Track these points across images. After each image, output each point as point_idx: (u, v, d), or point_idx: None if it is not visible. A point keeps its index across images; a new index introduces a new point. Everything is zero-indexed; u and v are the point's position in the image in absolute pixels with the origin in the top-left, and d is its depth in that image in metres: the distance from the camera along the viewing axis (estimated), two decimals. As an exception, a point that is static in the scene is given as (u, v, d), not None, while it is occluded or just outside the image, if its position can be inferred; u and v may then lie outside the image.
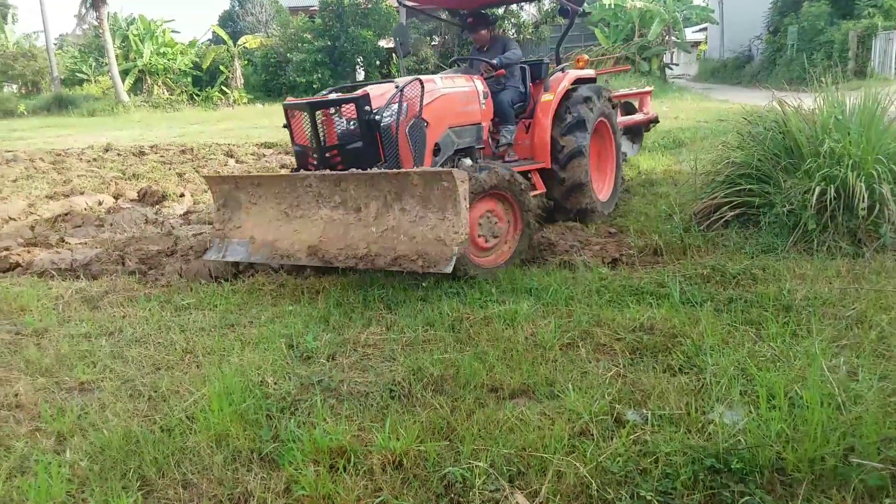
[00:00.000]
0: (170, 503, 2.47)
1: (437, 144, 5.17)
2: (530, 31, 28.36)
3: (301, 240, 4.80)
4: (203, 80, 34.70)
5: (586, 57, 6.51)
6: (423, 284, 4.83)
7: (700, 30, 43.09)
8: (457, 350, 3.60)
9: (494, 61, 5.87)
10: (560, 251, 5.30)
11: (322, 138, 4.95)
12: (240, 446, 2.73)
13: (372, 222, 4.51)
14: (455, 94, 5.37)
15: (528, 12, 30.39)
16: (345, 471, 2.55)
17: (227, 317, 4.34)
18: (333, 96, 5.02)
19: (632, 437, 2.66)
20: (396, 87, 4.95)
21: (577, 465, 2.49)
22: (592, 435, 2.70)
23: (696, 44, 43.33)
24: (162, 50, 33.09)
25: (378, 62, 29.55)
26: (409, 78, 5.07)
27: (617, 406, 2.91)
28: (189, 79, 34.40)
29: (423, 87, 4.93)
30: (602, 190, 6.73)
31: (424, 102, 4.97)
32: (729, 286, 4.35)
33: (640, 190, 7.78)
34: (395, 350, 3.68)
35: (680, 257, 5.10)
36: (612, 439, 2.67)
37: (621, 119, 8.32)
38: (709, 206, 5.65)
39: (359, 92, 4.90)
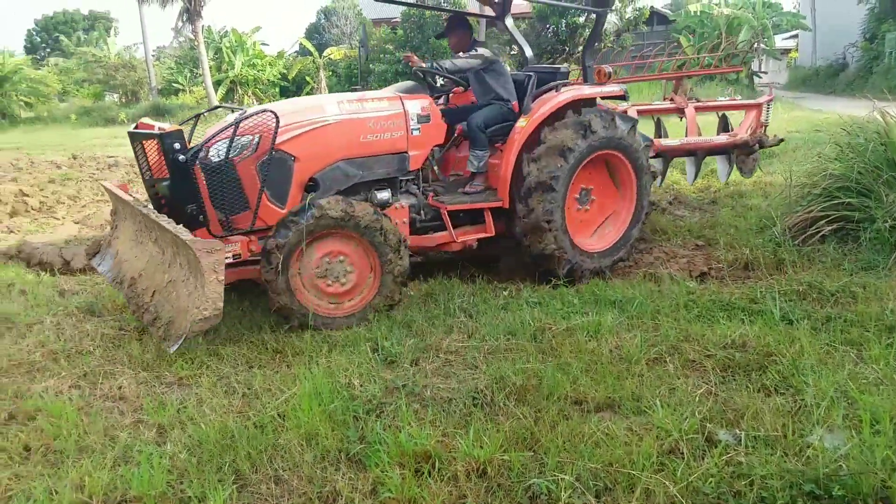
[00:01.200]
0: (262, 498, 2.56)
1: (313, 180, 4.50)
2: (611, 39, 27.96)
3: (132, 268, 4.51)
4: (290, 90, 35.86)
5: (607, 69, 5.49)
6: (504, 293, 4.84)
7: (790, 37, 41.40)
8: (539, 360, 3.58)
9: (425, 64, 4.99)
10: (644, 263, 5.19)
11: (145, 170, 4.44)
12: (328, 446, 2.80)
13: (167, 270, 4.10)
14: (352, 122, 4.59)
15: (609, 20, 29.99)
16: (429, 475, 2.57)
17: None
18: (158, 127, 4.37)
19: (724, 457, 2.58)
20: (233, 121, 4.30)
21: (667, 483, 2.43)
22: (682, 453, 2.63)
23: (786, 51, 41.62)
24: (252, 61, 34.41)
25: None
26: (257, 108, 4.47)
27: (708, 425, 2.83)
28: (277, 89, 35.63)
29: (277, 119, 4.21)
30: (596, 238, 5.48)
31: (292, 135, 4.36)
32: (827, 304, 4.16)
33: (729, 201, 7.53)
34: (477, 358, 3.69)
35: (773, 272, 4.90)
36: (703, 459, 2.60)
37: (695, 142, 7.28)
38: (804, 219, 5.41)
39: (168, 127, 4.23)
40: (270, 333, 4.16)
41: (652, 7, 30.81)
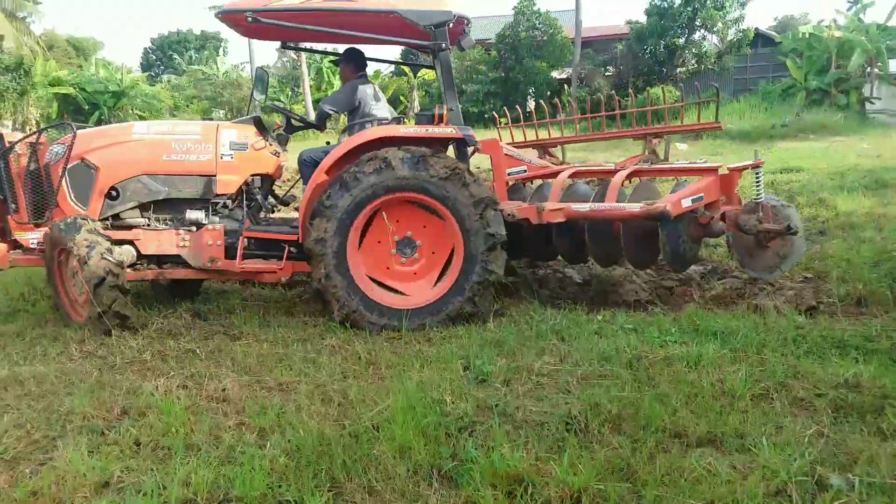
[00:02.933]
0: (356, 507, 2.60)
1: (115, 189, 5.08)
2: (712, 60, 27.18)
3: None
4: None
5: (438, 111, 5.02)
6: (598, 318, 4.76)
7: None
8: (635, 389, 3.48)
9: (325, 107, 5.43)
10: (749, 294, 4.98)
11: None
12: (421, 460, 2.82)
13: None
14: (156, 141, 5.10)
15: (710, 41, 29.18)
16: (522, 498, 2.55)
17: (406, 333, 4.54)
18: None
19: (837, 503, 2.42)
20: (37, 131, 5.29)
21: (774, 526, 2.31)
22: (790, 496, 2.49)
23: (903, 76, 39.16)
24: (347, 80, 35.63)
25: (549, 93, 29.69)
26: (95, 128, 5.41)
27: (819, 468, 2.66)
28: (371, 107, 36.70)
29: (75, 133, 5.00)
30: (416, 287, 5.01)
31: (92, 146, 5.05)
32: (951, 347, 3.86)
33: (839, 233, 7.13)
34: (570, 382, 3.64)
35: (889, 309, 4.60)
36: (812, 503, 2.45)
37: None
38: (925, 255, 5.06)
39: None
40: (363, 345, 4.25)
41: (757, 28, 29.76)
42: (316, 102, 34.19)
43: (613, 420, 3.16)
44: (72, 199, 5.05)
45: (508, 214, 5.05)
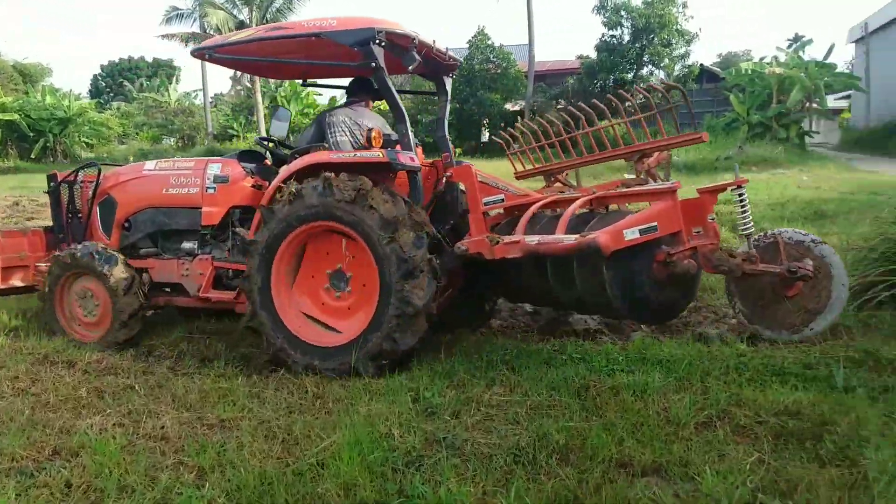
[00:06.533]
0: (298, 547, 2.53)
1: (128, 221, 5.52)
2: (660, 96, 28.06)
3: None
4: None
5: (376, 131, 4.83)
6: (548, 347, 4.78)
7: (843, 97, 40.87)
8: (583, 419, 3.49)
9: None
10: (693, 323, 5.07)
11: None
12: (366, 497, 2.77)
13: None
14: (159, 176, 5.44)
15: (658, 76, 30.12)
16: (469, 534, 2.51)
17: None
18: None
19: (778, 531, 2.45)
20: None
21: (717, 556, 2.32)
22: (733, 525, 2.51)
23: (839, 111, 41.06)
24: (305, 110, 35.53)
25: (503, 124, 30.16)
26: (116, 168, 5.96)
27: (760, 496, 2.70)
28: (326, 137, 36.67)
29: (99, 170, 5.76)
30: (348, 324, 4.66)
31: (115, 182, 5.61)
32: (884, 373, 3.97)
33: (780, 262, 7.34)
34: (520, 413, 3.63)
35: (827, 338, 4.73)
36: (754, 532, 2.48)
37: None
38: (861, 283, 5.23)
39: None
40: (311, 378, 4.17)
41: (702, 64, 30.87)
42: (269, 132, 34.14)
43: (561, 451, 3.15)
44: (101, 230, 5.65)
45: (459, 248, 4.56)
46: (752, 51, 68.89)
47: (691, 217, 4.17)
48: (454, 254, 4.63)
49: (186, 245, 5.36)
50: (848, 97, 41.07)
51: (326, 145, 5.03)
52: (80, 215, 5.83)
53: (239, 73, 33.62)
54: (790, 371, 4.03)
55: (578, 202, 4.42)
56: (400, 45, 4.85)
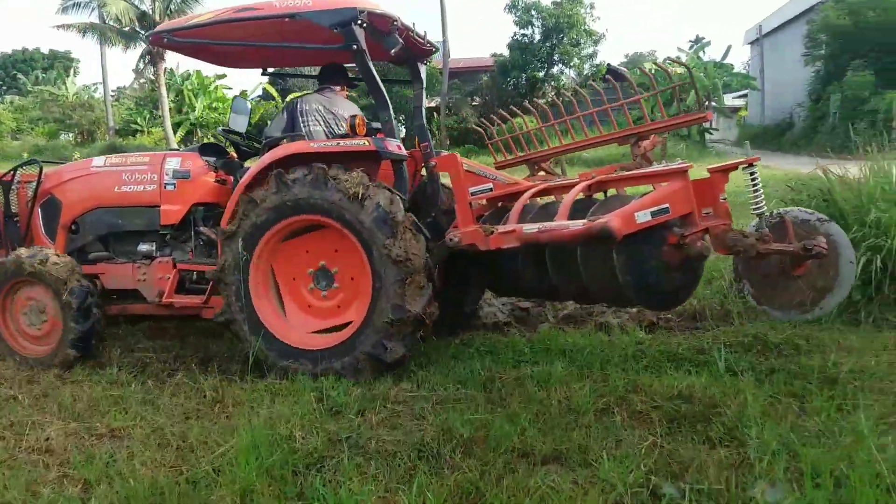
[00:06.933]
0: (190, 558, 2.43)
1: (75, 223, 5.04)
2: (570, 93, 28.76)
3: None
4: (251, 135, 35.91)
5: (360, 118, 4.50)
6: (456, 342, 4.80)
7: (740, 96, 43.20)
8: (488, 411, 3.52)
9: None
10: (597, 313, 5.22)
11: None
12: (264, 503, 2.68)
13: None
14: (108, 173, 4.95)
15: (568, 76, 30.90)
16: (369, 534, 2.48)
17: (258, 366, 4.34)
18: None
19: (668, 511, 2.55)
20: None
21: (610, 539, 2.38)
22: (626, 508, 2.59)
23: (736, 109, 43.38)
24: (214, 105, 34.38)
25: (419, 120, 30.26)
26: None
27: (653, 478, 2.79)
28: (237, 133, 35.65)
29: (41, 168, 5.18)
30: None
31: (59, 181, 5.13)
32: (771, 356, 4.21)
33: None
34: (426, 408, 3.62)
35: (720, 323, 4.97)
36: (647, 513, 2.56)
37: None
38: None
39: None
40: (209, 381, 4.03)
41: (609, 64, 31.88)
42: (176, 125, 32.76)
43: (465, 444, 3.16)
44: (43, 234, 5.12)
45: (451, 240, 4.23)
46: (657, 51, 71.70)
47: (702, 198, 3.97)
48: (436, 251, 4.30)
49: (143, 247, 4.87)
50: (745, 96, 43.44)
51: (302, 134, 4.71)
52: (16, 219, 5.22)
53: (143, 65, 32.17)
54: (684, 357, 4.20)
55: (579, 187, 4.16)
56: (380, 28, 4.50)
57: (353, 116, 4.51)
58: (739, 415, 3.29)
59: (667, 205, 3.76)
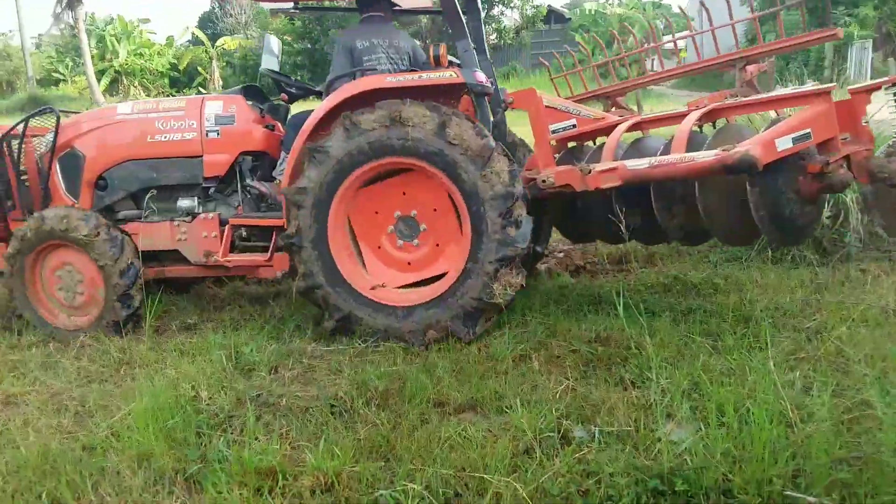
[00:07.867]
0: (82, 529, 2.32)
1: (102, 178, 4.51)
2: (511, 36, 28.37)
3: None
4: (181, 82, 34.42)
5: (443, 47, 4.12)
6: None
7: (681, 38, 43.41)
8: (406, 362, 3.47)
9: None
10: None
11: None
12: (163, 467, 2.58)
13: None
14: (139, 121, 4.46)
15: (510, 17, 30.41)
16: (271, 494, 2.40)
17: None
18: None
19: (576, 455, 2.54)
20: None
21: (518, 486, 2.36)
22: (536, 453, 2.58)
23: (679, 51, 43.67)
24: (139, 51, 32.75)
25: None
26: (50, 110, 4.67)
27: (564, 422, 2.79)
28: (166, 80, 34.11)
29: (58, 117, 4.51)
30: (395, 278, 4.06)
31: (78, 132, 4.53)
32: (689, 296, 4.27)
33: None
34: (343, 362, 3.55)
35: (645, 266, 5.01)
36: (556, 458, 2.55)
37: None
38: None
39: None
40: (116, 342, 3.85)
41: (549, 5, 31.48)
42: (100, 73, 31.11)
43: (380, 397, 3.11)
44: (64, 192, 4.55)
45: (542, 181, 3.86)
46: (599, -8, 71.21)
47: (841, 122, 3.63)
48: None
49: (183, 203, 4.41)
50: (685, 38, 43.62)
51: (369, 71, 4.25)
52: (24, 177, 4.58)
53: (60, 9, 30.25)
54: (606, 300, 4.21)
55: (693, 116, 3.85)
56: None
57: (437, 46, 4.09)
58: (653, 356, 3.31)
59: (808, 130, 3.47)
